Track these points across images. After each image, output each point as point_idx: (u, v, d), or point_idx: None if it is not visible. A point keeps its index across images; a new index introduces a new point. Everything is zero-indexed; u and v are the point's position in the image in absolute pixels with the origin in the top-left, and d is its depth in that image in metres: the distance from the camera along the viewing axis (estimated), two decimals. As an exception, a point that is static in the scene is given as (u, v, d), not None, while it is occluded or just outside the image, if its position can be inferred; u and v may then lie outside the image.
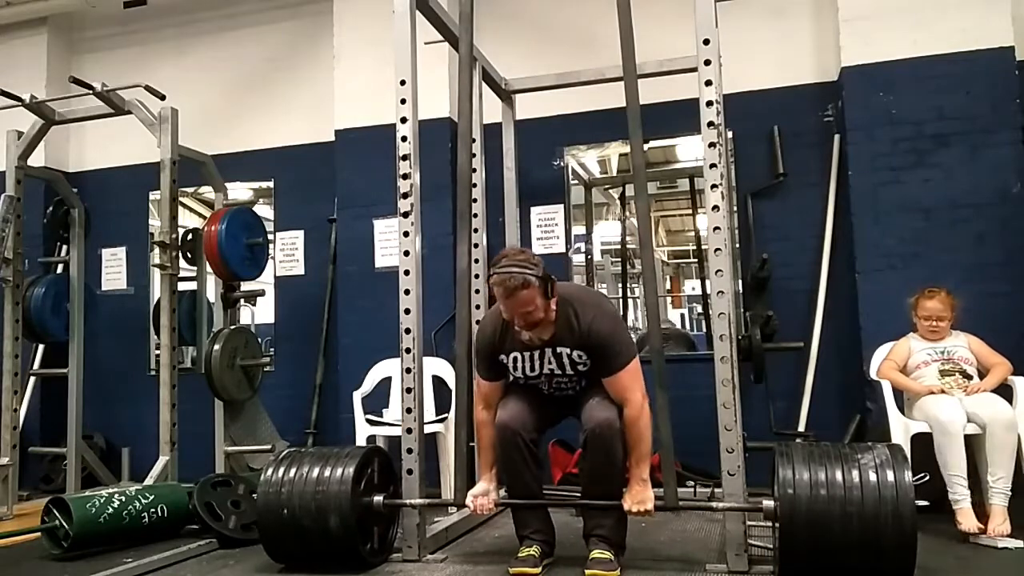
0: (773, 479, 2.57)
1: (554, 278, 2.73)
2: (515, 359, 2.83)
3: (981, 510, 3.12)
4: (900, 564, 2.36)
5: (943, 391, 3.32)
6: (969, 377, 3.42)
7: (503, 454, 2.83)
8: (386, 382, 4.50)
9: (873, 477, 2.41)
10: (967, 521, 3.03)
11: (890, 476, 2.40)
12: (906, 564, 2.36)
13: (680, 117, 3.83)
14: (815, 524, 2.39)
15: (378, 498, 2.94)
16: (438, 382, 4.41)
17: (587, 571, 2.65)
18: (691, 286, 5.19)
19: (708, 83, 2.83)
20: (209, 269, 4.69)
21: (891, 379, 3.51)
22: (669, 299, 5.47)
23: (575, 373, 2.80)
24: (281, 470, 2.92)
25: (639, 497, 2.68)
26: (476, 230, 3.96)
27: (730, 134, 4.32)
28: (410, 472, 3.04)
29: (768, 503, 2.59)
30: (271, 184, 5.57)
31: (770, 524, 2.64)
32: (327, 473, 2.84)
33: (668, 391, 2.74)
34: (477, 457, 3.05)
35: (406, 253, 3.13)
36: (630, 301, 5.23)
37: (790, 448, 2.61)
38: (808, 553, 2.41)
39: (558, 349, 2.76)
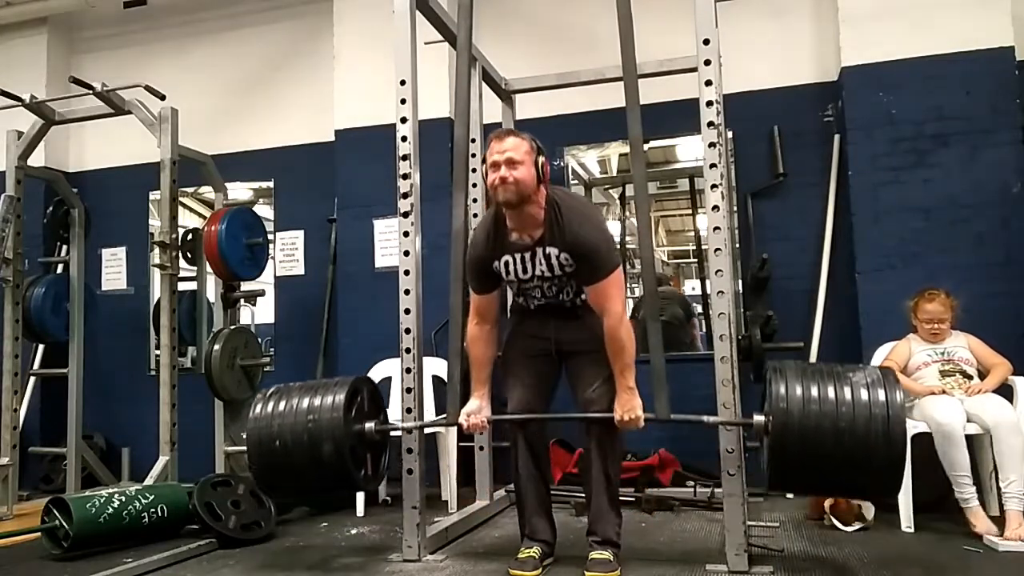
0: (765, 397, 2.55)
1: (547, 159, 2.76)
2: (507, 263, 2.80)
3: (983, 511, 3.12)
4: (888, 481, 2.36)
5: (944, 391, 3.32)
6: (969, 377, 3.42)
7: (516, 465, 2.88)
8: (386, 382, 4.49)
9: (865, 395, 2.40)
10: (981, 523, 3.03)
11: (882, 395, 2.39)
12: (894, 481, 2.36)
13: (680, 117, 3.83)
14: (806, 439, 2.38)
15: (370, 424, 2.96)
16: (438, 382, 4.41)
17: (587, 572, 2.65)
18: (691, 286, 5.18)
19: (708, 83, 2.83)
20: (209, 269, 4.70)
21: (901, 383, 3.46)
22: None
23: (563, 275, 2.77)
24: (271, 404, 2.91)
25: (628, 405, 2.66)
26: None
27: (730, 134, 4.32)
28: (410, 472, 3.04)
29: (759, 418, 2.59)
30: (271, 184, 5.57)
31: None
32: (317, 402, 2.84)
33: (658, 321, 2.74)
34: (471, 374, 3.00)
35: (406, 253, 3.13)
36: (630, 301, 5.22)
37: (783, 365, 2.60)
38: (798, 468, 2.41)
39: (547, 250, 2.74)
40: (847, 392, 2.41)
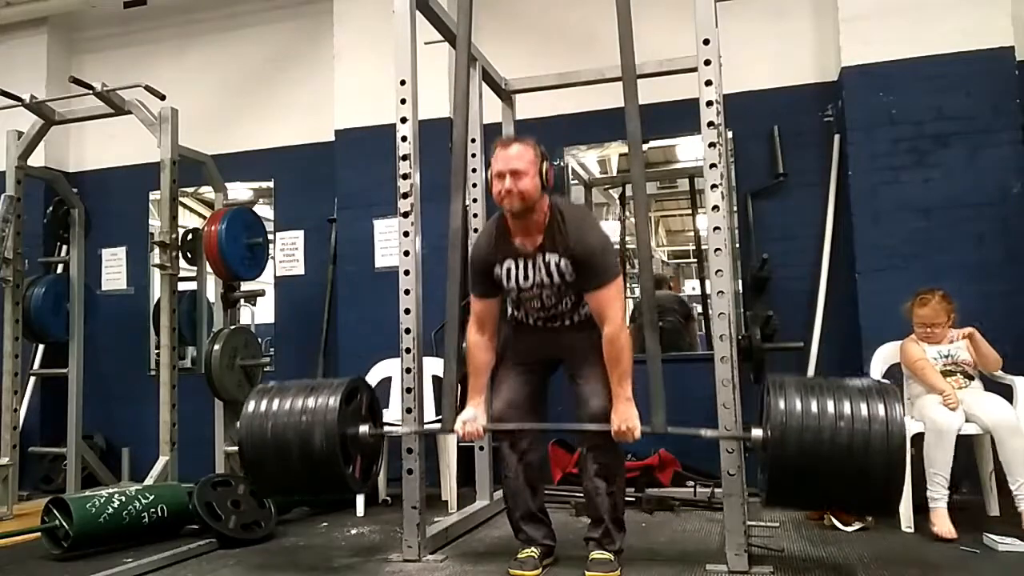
0: (762, 410, 2.54)
1: (551, 165, 2.76)
2: (508, 269, 2.80)
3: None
4: (887, 498, 2.35)
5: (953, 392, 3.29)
6: (971, 378, 3.42)
7: (506, 482, 2.87)
8: (386, 382, 4.49)
9: (864, 410, 2.38)
10: (941, 524, 3.05)
11: (881, 409, 2.37)
12: (893, 499, 2.34)
13: (680, 117, 3.83)
14: (805, 452, 2.36)
15: (364, 428, 2.95)
16: (438, 382, 4.40)
17: (587, 572, 2.65)
18: (691, 286, 5.18)
19: (708, 83, 2.83)
20: (209, 269, 4.70)
21: (928, 378, 3.38)
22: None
23: (563, 283, 2.75)
24: (264, 401, 2.90)
25: (624, 415, 2.62)
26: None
27: (730, 134, 4.32)
28: (410, 472, 3.04)
29: (757, 432, 2.58)
30: (271, 184, 5.57)
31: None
32: (312, 402, 2.83)
33: (656, 330, 2.73)
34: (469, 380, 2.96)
35: (406, 253, 3.13)
36: (629, 301, 5.22)
37: (782, 379, 2.58)
38: (797, 485, 2.39)
39: (547, 256, 2.74)
40: (847, 407, 2.39)
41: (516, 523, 2.89)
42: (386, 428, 4.30)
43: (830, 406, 2.40)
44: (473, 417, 2.82)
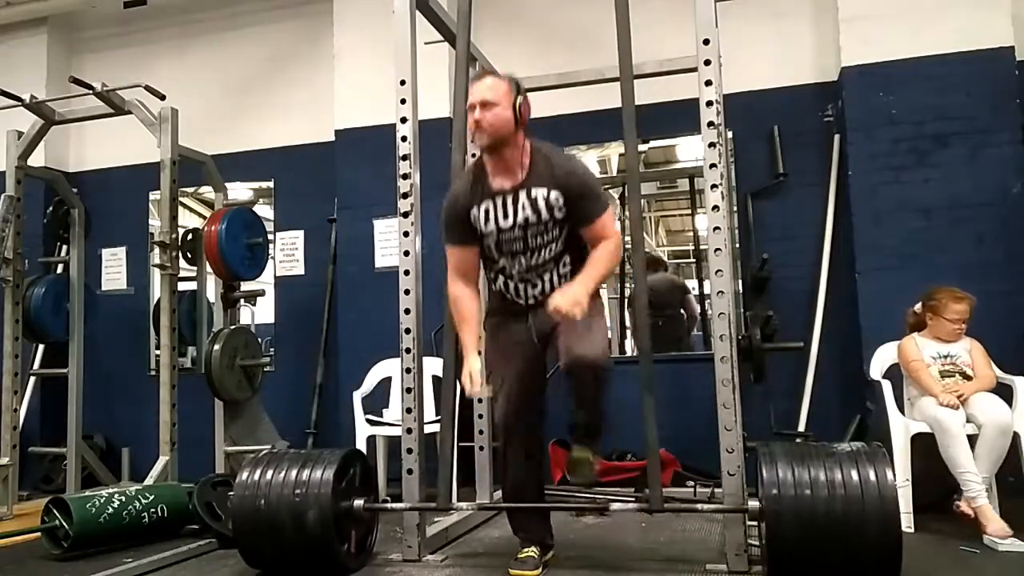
0: (757, 478, 2.56)
1: (527, 100, 2.65)
2: (486, 211, 2.65)
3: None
4: (887, 562, 2.35)
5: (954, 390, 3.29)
6: (969, 379, 3.41)
7: (505, 456, 2.77)
8: (386, 382, 4.49)
9: (856, 476, 2.40)
10: (992, 524, 2.98)
11: (872, 475, 2.39)
12: (892, 563, 2.35)
13: (680, 117, 3.83)
14: (801, 524, 2.38)
15: (358, 501, 2.91)
16: (438, 382, 4.40)
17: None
18: (691, 286, 5.18)
19: (708, 83, 2.83)
20: (209, 269, 4.70)
21: (922, 380, 3.40)
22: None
23: (551, 221, 2.60)
24: (258, 471, 2.86)
25: (571, 293, 2.41)
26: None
27: (730, 134, 4.31)
28: (410, 472, 3.04)
29: (754, 503, 2.58)
30: (271, 184, 5.57)
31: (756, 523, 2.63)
32: (306, 475, 2.80)
33: (654, 393, 2.71)
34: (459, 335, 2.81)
35: (406, 253, 3.14)
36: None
37: (772, 448, 2.59)
38: (795, 552, 2.40)
39: (533, 192, 2.61)
40: (838, 474, 2.41)
41: (516, 522, 2.88)
42: (387, 426, 4.35)
43: (822, 474, 2.42)
44: (480, 370, 2.66)
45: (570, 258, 2.69)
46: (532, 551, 2.77)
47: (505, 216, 2.64)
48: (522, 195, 2.62)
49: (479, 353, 2.71)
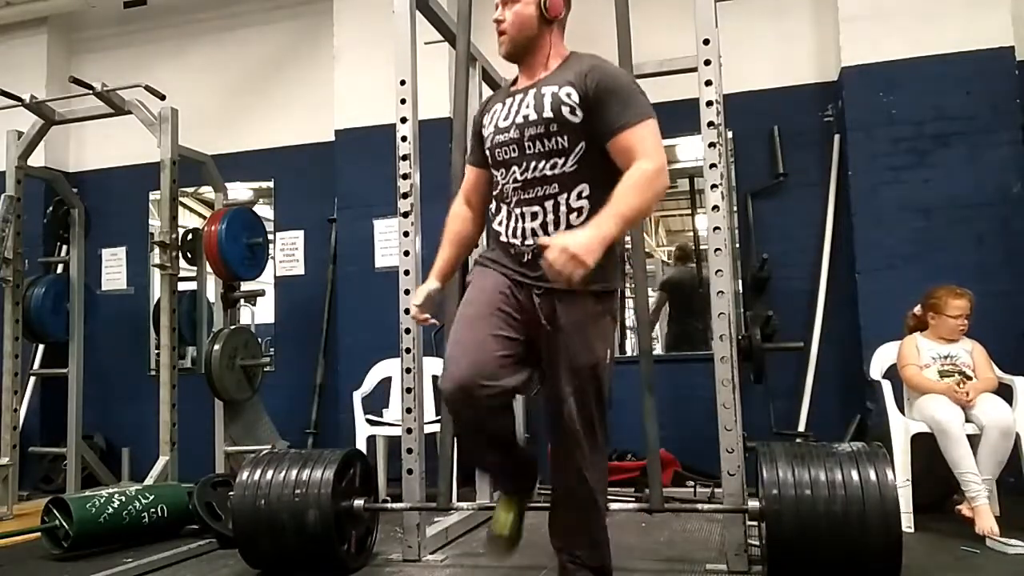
0: (757, 478, 2.56)
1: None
2: (494, 113, 2.22)
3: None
4: (887, 562, 2.35)
5: (954, 390, 3.28)
6: (969, 380, 3.41)
7: (456, 426, 2.27)
8: (386, 382, 4.49)
9: (856, 476, 2.40)
10: (983, 521, 2.98)
11: (872, 475, 2.39)
12: (893, 563, 2.35)
13: (680, 117, 3.83)
14: (802, 524, 2.38)
15: (359, 501, 2.91)
16: (438, 382, 4.40)
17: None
18: (691, 286, 5.18)
19: (708, 83, 2.83)
20: (209, 269, 4.70)
21: (919, 384, 3.39)
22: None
23: (556, 123, 2.06)
24: (258, 471, 2.86)
25: (574, 239, 1.80)
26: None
27: (730, 134, 4.31)
28: (410, 472, 3.04)
29: (754, 504, 2.58)
30: (271, 184, 5.57)
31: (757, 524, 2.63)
32: (306, 475, 2.80)
33: (655, 393, 2.71)
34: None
35: (406, 253, 3.14)
36: (628, 301, 5.22)
37: (772, 448, 2.58)
38: (796, 552, 2.40)
39: (543, 89, 2.11)
40: (838, 474, 2.41)
41: (490, 472, 2.57)
42: (387, 426, 4.35)
43: (822, 474, 2.41)
44: (434, 299, 2.31)
45: (589, 188, 2.06)
46: (511, 516, 2.34)
47: (505, 116, 2.18)
48: (531, 92, 2.14)
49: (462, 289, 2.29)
